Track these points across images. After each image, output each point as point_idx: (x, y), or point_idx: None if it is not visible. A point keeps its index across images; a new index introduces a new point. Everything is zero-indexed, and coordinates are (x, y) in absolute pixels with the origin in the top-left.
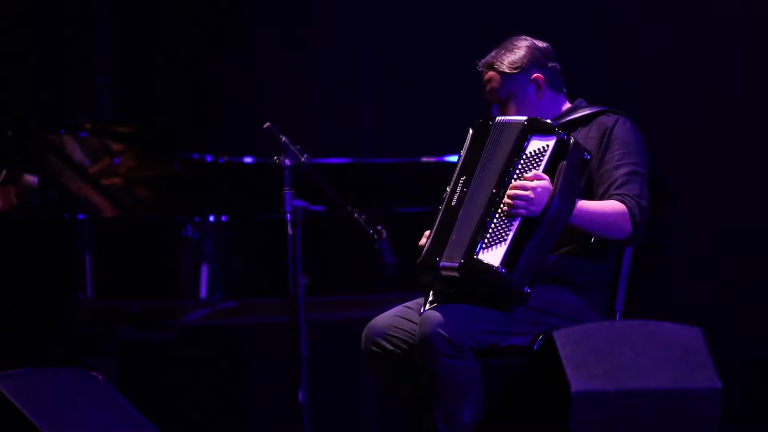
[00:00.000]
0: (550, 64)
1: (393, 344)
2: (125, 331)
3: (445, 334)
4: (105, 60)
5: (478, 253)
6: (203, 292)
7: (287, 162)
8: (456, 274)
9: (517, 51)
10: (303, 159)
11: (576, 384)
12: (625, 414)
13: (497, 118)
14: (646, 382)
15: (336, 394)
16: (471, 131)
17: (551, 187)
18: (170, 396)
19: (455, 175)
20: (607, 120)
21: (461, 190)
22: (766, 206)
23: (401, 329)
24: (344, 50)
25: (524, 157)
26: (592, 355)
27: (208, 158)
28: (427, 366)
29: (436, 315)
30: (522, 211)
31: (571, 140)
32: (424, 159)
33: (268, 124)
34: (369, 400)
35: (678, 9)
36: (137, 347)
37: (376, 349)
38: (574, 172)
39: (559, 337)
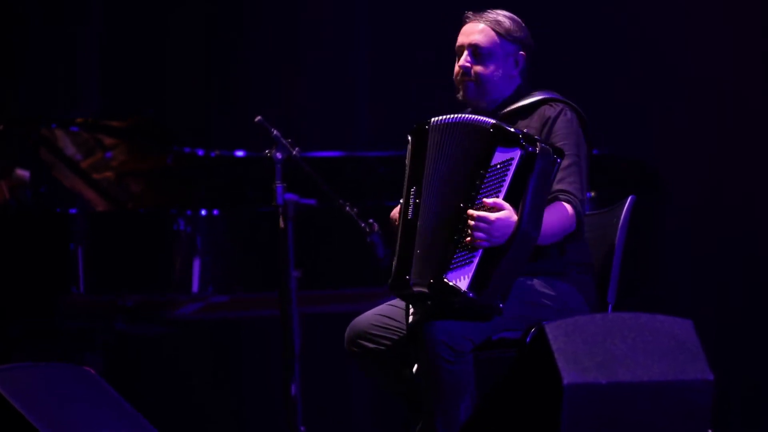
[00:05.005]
0: (530, 54)
1: (375, 343)
2: (118, 326)
3: (446, 341)
4: (94, 54)
5: (447, 276)
6: (195, 286)
7: (278, 155)
8: (427, 291)
9: (517, 26)
10: (294, 152)
11: (568, 376)
12: (617, 406)
13: (448, 116)
14: (638, 374)
15: (330, 387)
16: (411, 138)
17: (513, 217)
18: (163, 390)
19: (405, 186)
20: (550, 111)
21: (414, 202)
22: (760, 202)
23: (383, 327)
24: (339, 43)
25: (490, 168)
26: (584, 347)
27: (200, 152)
28: (430, 373)
29: (436, 324)
30: (485, 243)
31: (537, 149)
32: None
33: (259, 117)
34: (363, 394)
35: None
36: (130, 341)
37: (356, 349)
38: (544, 185)
39: (551, 329)
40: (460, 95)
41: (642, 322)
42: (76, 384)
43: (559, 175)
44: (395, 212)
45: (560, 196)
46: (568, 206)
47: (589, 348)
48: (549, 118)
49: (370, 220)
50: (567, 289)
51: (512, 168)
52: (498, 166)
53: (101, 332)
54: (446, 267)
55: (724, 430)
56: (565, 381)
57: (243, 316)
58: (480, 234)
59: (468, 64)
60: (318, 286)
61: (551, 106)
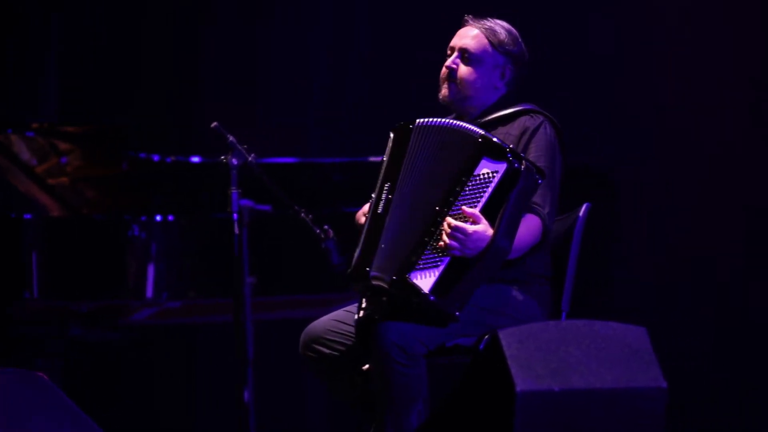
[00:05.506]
0: (522, 69)
1: (330, 348)
2: (72, 331)
3: (399, 343)
4: (50, 60)
5: (410, 275)
6: (150, 292)
7: (234, 161)
8: (386, 287)
9: (512, 39)
10: (250, 158)
11: (521, 383)
12: (570, 413)
13: (434, 119)
14: (591, 381)
15: (284, 394)
16: (392, 135)
17: (489, 231)
18: (117, 396)
19: (380, 180)
20: (530, 122)
21: (387, 197)
22: (711, 206)
23: (338, 332)
24: (295, 50)
25: (474, 179)
26: (538, 354)
27: (155, 158)
28: (382, 375)
29: (389, 325)
30: (456, 252)
31: (523, 166)
32: (372, 158)
33: (215, 123)
34: (317, 400)
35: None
36: (84, 347)
37: (311, 354)
38: (522, 203)
39: (505, 336)
40: (440, 94)
41: (596, 329)
42: (27, 389)
43: None
44: (363, 211)
45: (531, 209)
46: (536, 219)
47: (543, 355)
48: (528, 128)
49: (325, 227)
50: (527, 299)
51: (495, 181)
52: (481, 176)
53: (55, 338)
54: (412, 266)
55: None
56: (518, 388)
57: (197, 322)
58: (454, 243)
59: (454, 66)
60: (272, 292)
61: (531, 117)
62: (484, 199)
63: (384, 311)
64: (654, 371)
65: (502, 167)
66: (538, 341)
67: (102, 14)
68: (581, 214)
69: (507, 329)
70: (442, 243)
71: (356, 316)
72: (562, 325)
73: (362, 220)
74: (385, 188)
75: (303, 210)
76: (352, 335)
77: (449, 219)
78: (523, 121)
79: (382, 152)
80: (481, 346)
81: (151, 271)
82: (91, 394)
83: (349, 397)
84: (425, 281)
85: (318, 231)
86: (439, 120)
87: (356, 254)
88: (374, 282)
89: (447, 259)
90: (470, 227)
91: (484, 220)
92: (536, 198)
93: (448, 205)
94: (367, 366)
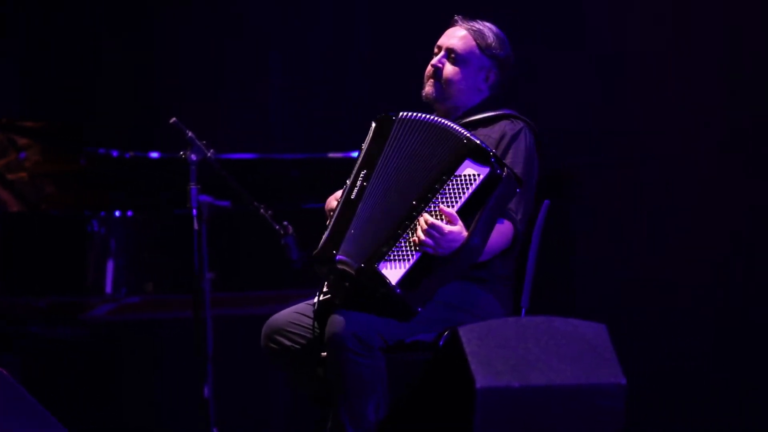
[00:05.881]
0: (506, 73)
1: (291, 340)
2: (32, 328)
3: (356, 333)
4: (14, 56)
5: (379, 265)
6: (109, 288)
7: (193, 157)
8: (353, 273)
9: (500, 43)
10: (209, 154)
11: (481, 380)
12: (530, 410)
13: (419, 114)
14: (550, 377)
15: (245, 389)
16: (374, 125)
17: (464, 233)
18: (76, 392)
19: (357, 167)
20: (510, 126)
21: (361, 184)
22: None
23: (299, 325)
24: (254, 46)
25: (455, 178)
26: (497, 351)
27: (114, 153)
28: (336, 364)
29: (346, 315)
30: (429, 250)
31: (504, 173)
32: (331, 155)
33: (174, 119)
34: (278, 396)
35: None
36: (44, 344)
37: (273, 345)
38: (499, 209)
39: (464, 333)
40: (424, 92)
41: (555, 326)
42: None
43: None
44: (334, 196)
45: (505, 214)
46: (509, 225)
47: (503, 352)
48: (507, 133)
49: (285, 222)
50: (488, 297)
51: (476, 184)
52: (462, 177)
53: (14, 334)
54: (381, 256)
55: (635, 428)
56: (478, 384)
57: (156, 318)
58: (428, 240)
59: (440, 65)
60: (232, 288)
61: (512, 122)
62: (462, 201)
63: (345, 297)
64: (613, 368)
65: (484, 171)
66: (497, 338)
67: (63, 10)
68: (541, 211)
69: (467, 326)
70: (416, 238)
71: (316, 299)
72: (521, 322)
73: (333, 204)
74: (361, 175)
75: (262, 206)
76: (312, 329)
77: (426, 216)
78: (504, 125)
79: (343, 149)
80: (441, 343)
81: (110, 266)
82: (51, 390)
83: (309, 390)
84: (393, 273)
85: (277, 227)
86: (423, 115)
87: (324, 237)
88: (340, 266)
89: (418, 255)
90: (446, 227)
91: (460, 222)
92: (510, 204)
93: (426, 201)
94: (325, 353)
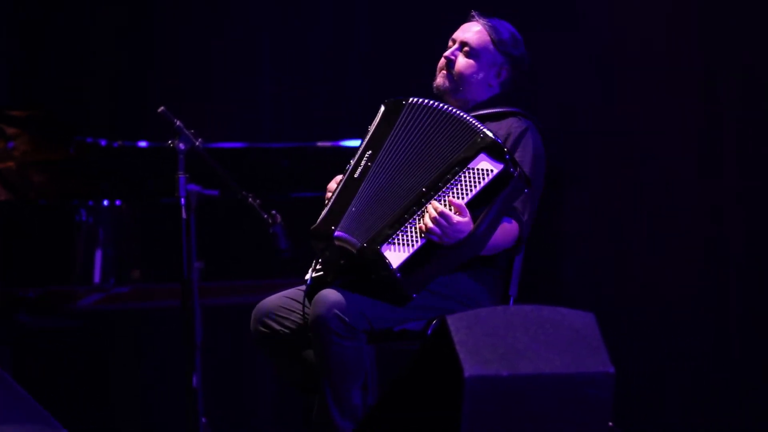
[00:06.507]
0: (519, 73)
1: (281, 324)
2: (20, 318)
3: (340, 314)
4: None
5: (382, 247)
6: (97, 277)
7: (181, 146)
8: (353, 251)
9: (514, 41)
10: (197, 143)
11: (469, 368)
12: (518, 398)
13: (432, 101)
14: (539, 366)
15: (233, 378)
16: (382, 108)
17: (471, 226)
18: (65, 381)
19: (362, 148)
20: (517, 124)
21: (366, 164)
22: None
23: (289, 310)
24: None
25: (468, 170)
26: (486, 339)
27: (103, 142)
28: (319, 345)
29: (332, 295)
30: (435, 238)
31: (517, 172)
32: (320, 144)
33: (162, 108)
34: (266, 385)
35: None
36: (32, 333)
37: (263, 329)
38: (506, 207)
39: (453, 321)
40: (435, 83)
41: (544, 314)
42: None
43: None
44: (335, 180)
45: (511, 214)
46: (515, 226)
47: (491, 340)
48: (514, 131)
49: (273, 212)
50: (477, 286)
51: (488, 179)
52: (475, 171)
53: (4, 325)
54: (385, 238)
55: (625, 422)
56: (466, 373)
57: (145, 307)
58: (436, 228)
59: (453, 57)
60: (220, 277)
61: (519, 119)
62: (472, 194)
63: (337, 274)
64: (602, 356)
65: (498, 167)
66: (486, 326)
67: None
68: None
69: (455, 314)
70: (423, 225)
71: (308, 276)
72: (510, 311)
73: (334, 186)
74: (366, 156)
75: (251, 195)
76: (302, 314)
77: (435, 203)
78: (511, 122)
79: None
80: (430, 332)
81: (98, 256)
82: (40, 379)
83: (296, 377)
84: (396, 256)
85: (266, 216)
86: (435, 102)
87: (324, 213)
88: (338, 243)
89: (422, 241)
90: (455, 217)
91: (468, 214)
92: (517, 203)
93: (436, 190)
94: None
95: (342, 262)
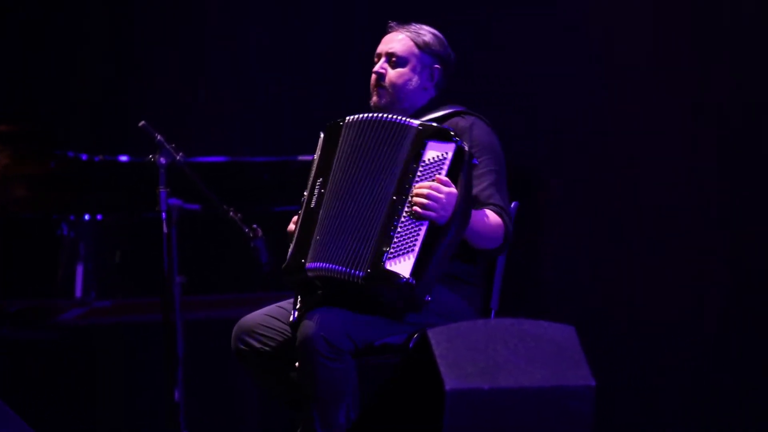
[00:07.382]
0: (449, 72)
1: (261, 342)
2: (2, 331)
3: (325, 336)
4: None
5: (385, 263)
6: (78, 291)
7: (162, 160)
8: (358, 282)
9: (438, 41)
10: (178, 157)
11: (450, 382)
12: (499, 412)
13: (365, 115)
14: (520, 380)
15: (215, 392)
16: (322, 135)
17: (458, 195)
18: (46, 395)
19: (311, 178)
20: (462, 122)
21: (319, 192)
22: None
23: (270, 328)
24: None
25: (423, 162)
26: (467, 353)
27: (84, 157)
28: (306, 367)
29: (317, 317)
30: (432, 213)
31: (466, 146)
32: (301, 158)
33: (143, 122)
34: (249, 399)
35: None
36: (14, 347)
37: (243, 347)
38: (471, 181)
39: (434, 335)
40: (373, 101)
41: (524, 328)
42: None
43: (490, 190)
44: (294, 220)
45: (491, 207)
46: (499, 219)
47: (472, 354)
48: (463, 128)
49: (254, 226)
50: (457, 299)
51: (448, 161)
52: (432, 159)
53: None
54: (384, 256)
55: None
56: (447, 387)
57: (126, 322)
58: (431, 203)
59: (383, 71)
60: (201, 291)
61: (463, 117)
62: (443, 175)
63: (326, 299)
64: (583, 370)
65: (450, 147)
66: (467, 340)
67: (34, 12)
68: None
69: (436, 328)
70: (416, 209)
71: (291, 319)
72: (491, 324)
73: (292, 227)
74: (317, 184)
75: (231, 209)
76: (283, 331)
77: (422, 184)
78: (456, 121)
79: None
80: (411, 345)
81: (79, 270)
82: (21, 393)
83: (279, 394)
84: (404, 265)
85: (247, 230)
86: (369, 115)
87: (291, 249)
88: (311, 274)
89: (421, 237)
90: (443, 187)
91: (451, 183)
92: (498, 200)
93: (405, 192)
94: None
95: (319, 292)
